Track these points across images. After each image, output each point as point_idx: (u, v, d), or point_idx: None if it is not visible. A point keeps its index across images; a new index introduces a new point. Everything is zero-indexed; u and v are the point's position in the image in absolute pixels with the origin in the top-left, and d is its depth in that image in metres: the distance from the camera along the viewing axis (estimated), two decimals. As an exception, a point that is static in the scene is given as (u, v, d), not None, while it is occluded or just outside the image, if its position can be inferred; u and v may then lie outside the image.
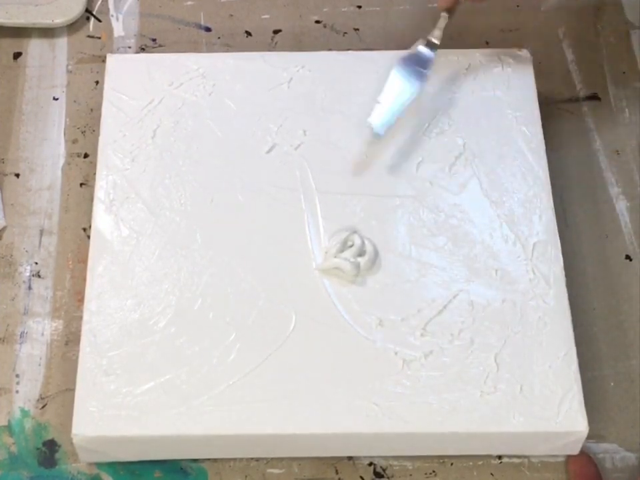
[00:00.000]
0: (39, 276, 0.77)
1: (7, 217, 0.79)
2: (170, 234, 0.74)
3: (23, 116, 0.84)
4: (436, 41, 0.78)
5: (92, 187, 0.78)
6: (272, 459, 0.70)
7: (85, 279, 0.72)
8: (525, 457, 0.70)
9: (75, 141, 0.83)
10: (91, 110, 0.84)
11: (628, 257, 0.78)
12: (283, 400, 0.68)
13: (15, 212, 0.79)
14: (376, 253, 0.73)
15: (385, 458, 0.70)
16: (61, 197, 0.80)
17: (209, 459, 0.70)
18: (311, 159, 0.78)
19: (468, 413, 0.68)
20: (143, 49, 0.88)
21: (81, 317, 0.71)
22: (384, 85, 0.76)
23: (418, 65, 0.77)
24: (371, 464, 0.70)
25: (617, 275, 0.77)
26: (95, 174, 0.77)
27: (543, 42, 0.88)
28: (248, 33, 0.89)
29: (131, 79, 0.81)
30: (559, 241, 0.74)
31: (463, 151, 0.78)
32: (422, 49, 0.78)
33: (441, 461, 0.70)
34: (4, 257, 0.78)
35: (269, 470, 0.70)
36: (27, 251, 0.78)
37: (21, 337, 0.74)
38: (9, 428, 0.71)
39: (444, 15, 0.78)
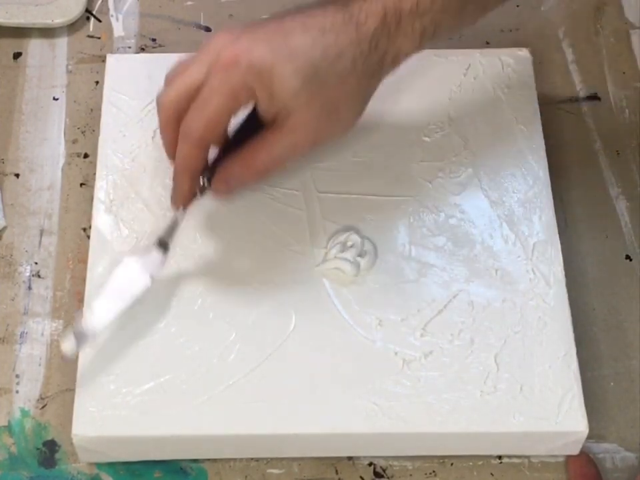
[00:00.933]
0: (39, 276, 0.77)
1: (7, 217, 0.79)
2: (170, 234, 0.74)
3: (23, 116, 0.84)
4: (168, 242, 0.69)
5: (92, 187, 0.78)
6: (272, 458, 0.70)
7: (84, 279, 0.72)
8: (525, 456, 0.70)
9: (75, 141, 0.83)
10: (91, 110, 0.84)
11: (628, 257, 0.78)
12: (282, 400, 0.68)
13: (15, 212, 0.79)
14: (376, 253, 0.73)
15: (385, 458, 0.70)
16: (61, 197, 0.80)
17: (209, 459, 0.70)
18: (311, 159, 0.78)
19: (468, 412, 0.68)
20: (143, 49, 0.88)
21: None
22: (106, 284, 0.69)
23: (144, 267, 0.69)
24: (371, 464, 0.70)
25: (616, 275, 0.77)
26: (95, 174, 0.77)
27: (543, 42, 0.88)
28: (248, 33, 0.89)
29: (131, 79, 0.81)
30: (559, 241, 0.74)
31: (463, 151, 0.78)
32: (154, 251, 0.69)
33: (441, 461, 0.70)
34: (4, 257, 0.78)
35: (269, 470, 0.70)
36: (26, 251, 0.78)
37: (21, 337, 0.74)
38: (8, 428, 0.71)
39: (180, 213, 0.69)
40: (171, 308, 0.71)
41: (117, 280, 0.69)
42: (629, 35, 0.89)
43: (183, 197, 0.69)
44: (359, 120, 0.69)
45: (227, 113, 0.65)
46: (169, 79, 0.67)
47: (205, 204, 0.75)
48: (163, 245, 0.69)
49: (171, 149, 0.68)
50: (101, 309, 0.68)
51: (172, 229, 0.70)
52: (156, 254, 0.69)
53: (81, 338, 0.66)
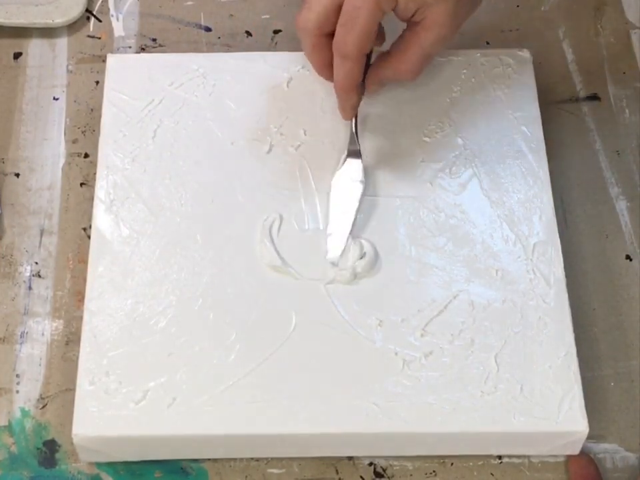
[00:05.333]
0: (39, 276, 0.77)
1: (7, 217, 0.79)
2: (170, 234, 0.74)
3: (23, 116, 0.84)
4: (358, 148, 0.76)
5: (92, 187, 0.78)
6: (272, 458, 0.70)
7: (85, 279, 0.73)
8: (525, 456, 0.70)
9: (75, 141, 0.83)
10: (91, 110, 0.84)
11: (628, 257, 0.78)
12: (283, 400, 0.68)
13: (15, 212, 0.79)
14: (376, 254, 0.73)
15: (385, 458, 0.70)
16: (61, 197, 0.80)
17: (209, 459, 0.70)
18: (311, 159, 0.78)
19: (468, 412, 0.68)
20: (143, 49, 0.88)
21: (81, 317, 0.71)
22: (328, 213, 0.74)
23: (351, 178, 0.75)
24: (371, 464, 0.70)
25: (617, 275, 0.77)
26: (95, 174, 0.77)
27: (543, 42, 0.88)
28: (248, 33, 0.89)
29: (131, 78, 0.81)
30: (559, 241, 0.74)
31: (463, 151, 0.78)
32: (349, 161, 0.76)
33: (441, 461, 0.70)
34: (4, 256, 0.78)
35: (269, 470, 0.70)
36: (27, 251, 0.78)
37: (21, 337, 0.74)
38: (9, 428, 0.71)
39: (352, 122, 0.76)
40: (171, 308, 0.71)
41: (335, 202, 0.74)
42: (629, 35, 0.89)
43: (353, 108, 0.75)
44: None
45: (375, 23, 0.70)
46: (304, 2, 0.71)
47: (205, 204, 0.75)
48: (355, 153, 0.76)
49: (325, 69, 0.74)
50: (337, 231, 0.73)
51: (354, 137, 0.76)
52: (354, 163, 0.75)
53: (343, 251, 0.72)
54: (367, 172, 0.76)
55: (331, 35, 0.72)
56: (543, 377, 0.69)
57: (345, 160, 0.76)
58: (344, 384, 0.68)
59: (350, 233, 0.73)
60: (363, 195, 0.75)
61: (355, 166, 0.76)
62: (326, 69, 0.74)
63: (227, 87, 0.81)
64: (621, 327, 0.75)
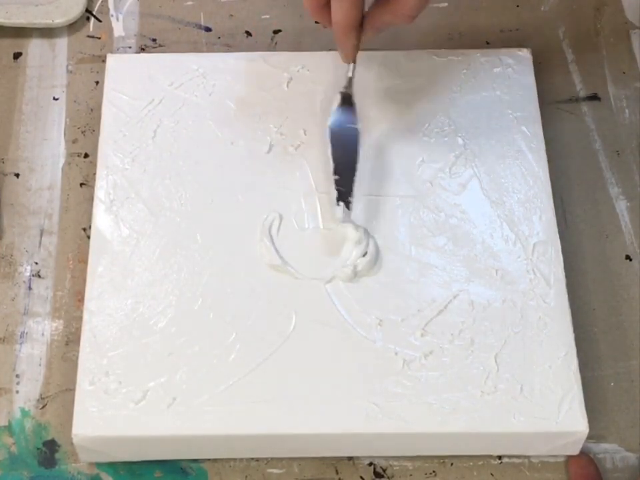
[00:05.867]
0: (39, 276, 0.77)
1: (7, 217, 0.79)
2: (170, 234, 0.74)
3: (23, 116, 0.84)
4: (351, 93, 0.76)
5: (92, 187, 0.78)
6: (272, 458, 0.70)
7: (85, 279, 0.73)
8: (525, 457, 0.70)
9: (75, 141, 0.83)
10: (91, 110, 0.84)
11: (628, 257, 0.78)
12: (283, 400, 0.68)
13: (15, 212, 0.79)
14: (376, 253, 0.73)
15: (385, 458, 0.70)
16: (61, 197, 0.80)
17: (209, 459, 0.70)
18: (311, 159, 0.78)
19: (468, 413, 0.68)
20: (143, 49, 0.88)
21: (80, 317, 0.71)
22: (330, 166, 0.74)
23: (347, 122, 0.75)
24: (371, 464, 0.70)
25: (616, 275, 0.77)
26: (95, 174, 0.77)
27: (543, 42, 0.88)
28: (248, 33, 0.89)
29: (131, 78, 0.81)
30: (559, 241, 0.74)
31: (463, 151, 0.78)
32: (341, 106, 0.76)
33: (441, 461, 0.70)
34: (4, 257, 0.78)
35: (269, 470, 0.70)
36: (27, 251, 0.78)
37: (21, 337, 0.74)
38: (9, 428, 0.71)
39: (351, 65, 0.75)
40: (171, 308, 0.71)
41: (334, 150, 0.74)
42: (629, 35, 0.89)
43: (353, 50, 0.74)
44: None
45: None
46: None
47: (205, 204, 0.75)
48: (348, 98, 0.76)
49: (320, 11, 0.73)
50: (343, 180, 0.73)
51: (350, 81, 0.76)
52: (348, 109, 0.75)
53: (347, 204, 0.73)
54: (366, 171, 0.76)
55: None
56: (542, 376, 0.69)
57: (339, 104, 0.76)
58: (344, 384, 0.68)
59: (353, 185, 0.74)
60: (360, 141, 0.75)
61: (348, 112, 0.76)
62: (321, 10, 0.74)
63: (226, 86, 0.81)
64: (620, 327, 0.75)
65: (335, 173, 0.74)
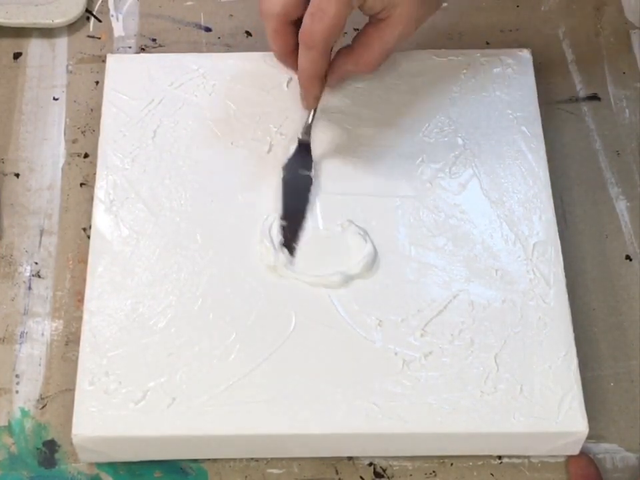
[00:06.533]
0: (39, 276, 0.77)
1: (7, 217, 0.79)
2: (170, 234, 0.74)
3: (23, 116, 0.84)
4: (309, 140, 0.77)
5: (92, 187, 0.78)
6: (272, 459, 0.70)
7: (85, 279, 0.73)
8: (525, 457, 0.70)
9: (75, 141, 0.83)
10: (91, 110, 0.84)
11: (628, 257, 0.78)
12: (283, 400, 0.68)
13: (15, 212, 0.79)
14: (376, 253, 0.73)
15: (385, 458, 0.70)
16: (61, 197, 0.80)
17: (209, 459, 0.70)
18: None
19: (468, 413, 0.68)
20: (143, 49, 0.88)
21: (80, 317, 0.71)
22: (280, 208, 0.75)
23: (302, 169, 0.76)
24: (371, 464, 0.70)
25: (616, 274, 0.77)
26: (95, 174, 0.77)
27: (543, 42, 0.88)
28: (248, 33, 0.89)
29: (131, 79, 0.81)
30: (559, 241, 0.74)
31: (463, 151, 0.78)
32: (298, 153, 0.77)
33: (441, 461, 0.70)
34: (4, 257, 0.78)
35: (269, 470, 0.70)
36: (27, 251, 0.78)
37: (21, 337, 0.74)
38: (9, 428, 0.71)
39: (311, 112, 0.76)
40: (170, 308, 0.71)
41: (285, 193, 0.75)
42: (629, 35, 0.89)
43: (316, 99, 0.75)
44: None
45: (344, 16, 0.70)
46: None
47: (205, 204, 0.75)
48: (306, 145, 0.76)
49: (286, 57, 0.75)
50: (290, 227, 0.74)
51: (309, 128, 0.76)
52: (304, 154, 0.76)
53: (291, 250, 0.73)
54: (366, 171, 0.76)
55: (295, 22, 0.72)
56: (542, 376, 0.69)
57: (296, 150, 0.76)
58: (344, 384, 0.68)
59: (301, 231, 0.74)
60: (313, 190, 0.75)
61: (305, 158, 0.76)
62: (287, 56, 0.75)
63: (226, 86, 0.81)
64: (620, 327, 0.75)
65: (284, 218, 0.74)
